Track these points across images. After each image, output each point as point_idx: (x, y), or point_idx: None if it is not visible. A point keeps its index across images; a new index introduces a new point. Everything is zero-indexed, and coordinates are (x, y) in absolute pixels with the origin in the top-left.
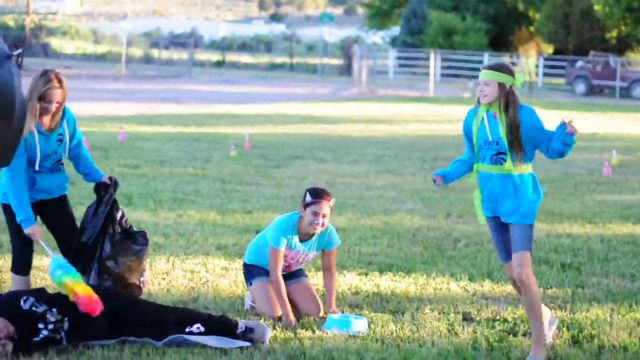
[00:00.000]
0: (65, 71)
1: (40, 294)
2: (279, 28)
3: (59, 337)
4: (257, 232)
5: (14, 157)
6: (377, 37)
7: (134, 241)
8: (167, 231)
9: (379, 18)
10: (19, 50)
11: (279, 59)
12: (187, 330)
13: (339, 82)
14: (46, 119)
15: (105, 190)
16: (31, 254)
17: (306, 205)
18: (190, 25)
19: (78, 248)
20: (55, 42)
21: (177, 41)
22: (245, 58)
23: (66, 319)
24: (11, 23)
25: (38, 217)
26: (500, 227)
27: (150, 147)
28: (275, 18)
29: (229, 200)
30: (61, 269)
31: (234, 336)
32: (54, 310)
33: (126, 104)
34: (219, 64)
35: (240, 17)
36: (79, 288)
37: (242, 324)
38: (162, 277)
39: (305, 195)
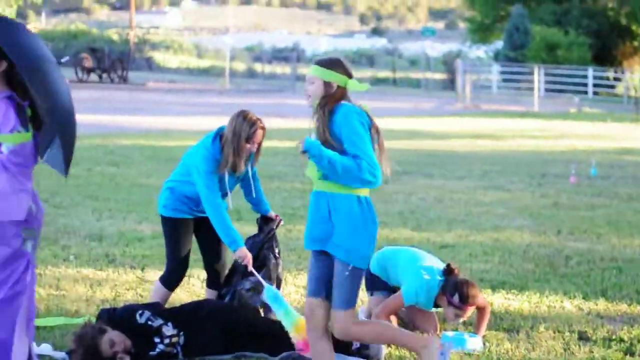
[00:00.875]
0: (169, 85)
1: (155, 308)
2: (380, 42)
3: (175, 351)
4: None
5: (211, 177)
6: (480, 52)
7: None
8: None
9: (481, 33)
10: (67, 58)
11: (381, 73)
12: None
13: (443, 97)
14: (242, 162)
15: (267, 224)
16: (184, 272)
17: (451, 303)
18: (292, 40)
19: (230, 270)
20: (158, 56)
21: (279, 55)
22: None
23: (182, 333)
24: (115, 37)
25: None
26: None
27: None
28: (376, 32)
29: None
30: (277, 302)
31: (349, 353)
32: (169, 324)
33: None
34: None
35: (342, 32)
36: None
37: None
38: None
39: (453, 294)
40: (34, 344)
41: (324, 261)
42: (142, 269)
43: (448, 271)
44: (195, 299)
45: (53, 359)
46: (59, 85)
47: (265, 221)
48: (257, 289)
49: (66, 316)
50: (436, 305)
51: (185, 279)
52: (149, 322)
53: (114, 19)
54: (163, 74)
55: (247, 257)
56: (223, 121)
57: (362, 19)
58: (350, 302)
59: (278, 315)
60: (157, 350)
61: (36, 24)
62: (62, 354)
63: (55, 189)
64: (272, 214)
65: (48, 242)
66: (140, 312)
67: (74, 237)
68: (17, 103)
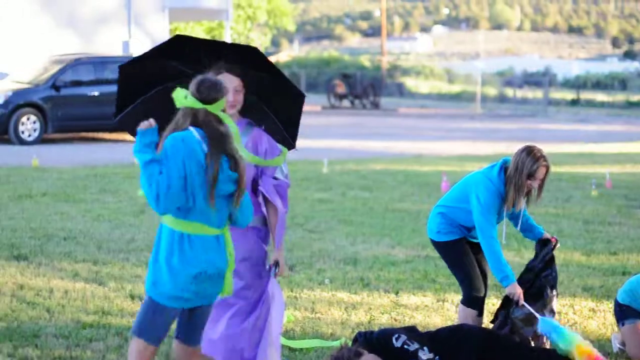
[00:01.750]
0: (420, 110)
1: (411, 332)
2: (633, 65)
3: None
4: (623, 273)
5: (492, 210)
6: None
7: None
8: None
9: None
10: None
11: (635, 97)
12: None
13: None
14: (521, 198)
15: (543, 246)
16: (483, 288)
17: None
18: (543, 64)
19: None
20: (410, 82)
21: (531, 80)
22: (600, 96)
23: (437, 357)
24: (367, 64)
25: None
26: None
27: None
28: (629, 55)
29: (592, 241)
30: (555, 332)
31: None
32: (425, 348)
33: (483, 143)
34: (574, 102)
35: (593, 55)
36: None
37: None
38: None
39: None
40: None
41: None
42: (397, 293)
43: None
44: (450, 323)
45: None
46: None
47: (541, 244)
48: (530, 320)
49: (322, 339)
50: None
51: (439, 303)
52: (405, 346)
53: (365, 45)
54: (414, 99)
55: (518, 293)
56: (477, 146)
57: (615, 42)
58: None
59: (556, 343)
60: None
61: (289, 52)
62: None
63: (309, 214)
64: (547, 235)
65: (304, 265)
66: (396, 335)
67: (329, 260)
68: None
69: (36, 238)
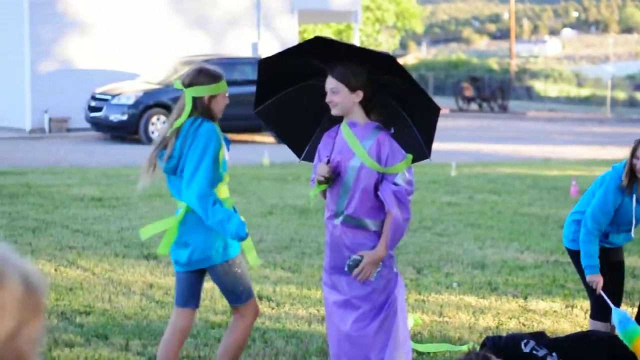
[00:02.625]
0: (548, 114)
1: (540, 338)
2: None
3: None
4: None
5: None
6: None
7: None
8: None
9: None
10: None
11: None
12: None
13: None
14: None
15: None
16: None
17: None
18: None
19: None
20: (538, 85)
21: None
22: None
23: None
24: (495, 66)
25: None
26: None
27: None
28: None
29: None
30: (623, 323)
31: None
32: (554, 354)
33: (613, 148)
34: None
35: None
36: None
37: None
38: None
39: None
40: None
41: None
42: (525, 298)
43: None
44: (579, 329)
45: None
46: None
47: None
48: None
49: (449, 343)
50: None
51: (568, 309)
52: (534, 352)
53: (494, 48)
54: (543, 103)
55: (596, 281)
56: (606, 151)
57: None
58: None
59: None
60: None
61: (417, 54)
62: None
63: (437, 217)
64: None
65: (431, 269)
66: (525, 341)
67: (457, 264)
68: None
69: None
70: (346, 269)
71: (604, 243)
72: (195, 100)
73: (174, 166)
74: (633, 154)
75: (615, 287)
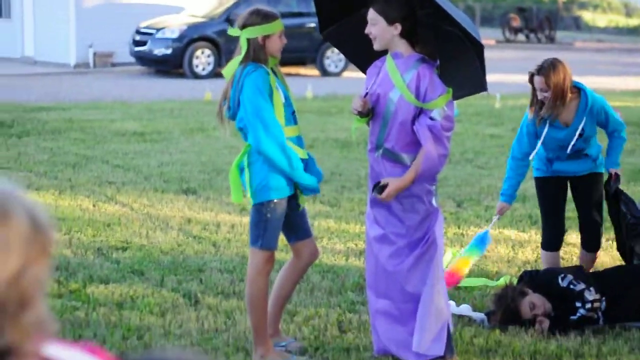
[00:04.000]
0: (597, 44)
1: (578, 272)
2: None
3: (596, 316)
4: None
5: None
6: None
7: None
8: None
9: None
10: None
11: None
12: None
13: None
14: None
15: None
16: (561, 230)
17: None
18: None
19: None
20: (587, 15)
21: None
22: None
23: (604, 298)
24: None
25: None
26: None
27: None
28: None
29: None
30: (475, 243)
31: None
32: (591, 289)
33: None
34: None
35: None
36: (459, 264)
37: None
38: None
39: None
40: (453, 303)
41: None
42: (565, 231)
43: None
44: (618, 263)
45: (472, 319)
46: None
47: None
48: None
49: (487, 277)
50: None
51: (608, 242)
52: (571, 286)
53: None
54: (591, 33)
55: (501, 208)
56: None
57: None
58: None
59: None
60: (578, 314)
61: None
62: (481, 315)
63: (479, 149)
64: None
65: (472, 202)
66: (562, 275)
67: (497, 197)
68: (433, 64)
69: (205, 172)
70: (372, 193)
71: (550, 172)
72: (249, 41)
73: (233, 115)
74: (532, 85)
75: (552, 216)
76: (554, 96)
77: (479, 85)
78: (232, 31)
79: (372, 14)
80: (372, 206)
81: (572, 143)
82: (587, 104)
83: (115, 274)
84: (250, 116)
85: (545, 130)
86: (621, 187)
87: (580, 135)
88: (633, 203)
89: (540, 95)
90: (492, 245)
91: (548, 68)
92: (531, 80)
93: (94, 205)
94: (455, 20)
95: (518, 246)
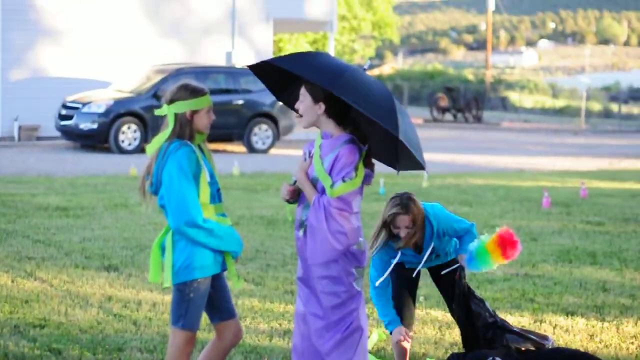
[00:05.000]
0: (523, 125)
1: (507, 354)
2: None
3: None
4: None
5: None
6: None
7: None
8: (634, 292)
9: None
10: (368, 63)
11: None
12: None
13: None
14: None
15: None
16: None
17: None
18: None
19: None
20: (513, 96)
21: (636, 95)
22: None
23: None
24: (471, 77)
25: None
26: None
27: (614, 203)
28: None
29: None
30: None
31: None
32: None
33: (587, 159)
34: None
35: None
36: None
37: None
38: (630, 342)
39: None
40: None
41: None
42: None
43: None
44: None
45: None
46: (369, 84)
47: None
48: None
49: (413, 359)
50: None
51: (537, 324)
52: None
53: (470, 59)
54: (518, 113)
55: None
56: (580, 162)
57: None
58: None
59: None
60: None
61: (393, 64)
62: None
63: None
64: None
65: None
66: (490, 358)
67: (423, 277)
68: (359, 147)
69: (128, 248)
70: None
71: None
72: (177, 116)
73: (156, 190)
74: (392, 224)
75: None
76: (418, 229)
77: (416, 163)
78: (159, 111)
79: (302, 90)
80: (298, 282)
81: (424, 260)
82: (433, 229)
83: (32, 353)
84: (171, 196)
85: (398, 256)
86: (550, 267)
87: (434, 255)
88: (483, 302)
89: (403, 232)
90: (419, 326)
91: (409, 205)
92: (393, 221)
93: (12, 281)
94: (371, 117)
95: (445, 327)
